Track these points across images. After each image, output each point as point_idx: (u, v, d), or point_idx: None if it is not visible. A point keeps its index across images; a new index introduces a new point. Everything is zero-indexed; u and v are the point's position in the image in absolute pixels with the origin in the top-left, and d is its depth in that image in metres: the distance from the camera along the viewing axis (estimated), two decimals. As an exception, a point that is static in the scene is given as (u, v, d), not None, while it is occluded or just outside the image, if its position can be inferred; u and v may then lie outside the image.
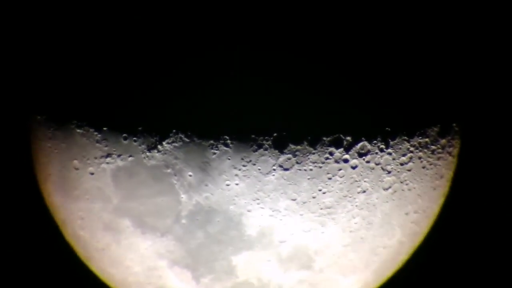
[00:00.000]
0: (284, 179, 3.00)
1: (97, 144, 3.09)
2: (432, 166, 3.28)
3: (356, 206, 3.13)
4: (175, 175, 3.01)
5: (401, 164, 3.15)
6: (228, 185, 3.00)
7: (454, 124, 3.37)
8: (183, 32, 2.94)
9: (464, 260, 4.68)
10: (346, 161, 3.03)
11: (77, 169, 3.19)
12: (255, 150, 2.95)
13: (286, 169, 2.99)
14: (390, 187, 3.16)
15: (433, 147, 3.24)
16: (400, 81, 3.08)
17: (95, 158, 3.11)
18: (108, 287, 3.63)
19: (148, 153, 3.01)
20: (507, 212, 4.62)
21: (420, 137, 3.17)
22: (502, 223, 4.65)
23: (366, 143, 3.04)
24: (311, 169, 3.00)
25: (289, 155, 2.97)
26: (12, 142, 4.21)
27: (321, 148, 2.98)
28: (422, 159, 3.21)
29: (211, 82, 2.90)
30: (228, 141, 2.94)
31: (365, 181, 3.10)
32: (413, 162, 3.19)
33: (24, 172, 3.81)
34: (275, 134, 2.94)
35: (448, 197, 3.63)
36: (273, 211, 3.04)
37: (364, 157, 3.05)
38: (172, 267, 3.24)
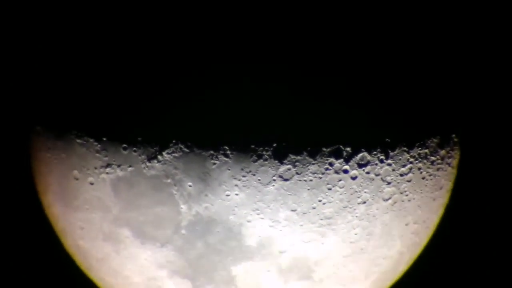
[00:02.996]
0: (284, 190, 3.00)
1: (97, 154, 3.09)
2: (431, 177, 3.28)
3: (356, 216, 3.12)
4: (175, 186, 3.01)
5: (401, 175, 3.15)
6: (228, 195, 3.00)
7: (454, 135, 3.38)
8: (185, 44, 2.95)
9: (464, 270, 4.68)
10: (346, 171, 3.03)
11: (77, 179, 3.19)
12: (255, 161, 2.95)
13: (286, 180, 2.99)
14: (390, 198, 3.16)
15: (432, 158, 3.24)
16: (400, 92, 3.09)
17: (95, 168, 3.11)
18: (107, 297, 3.62)
19: (148, 163, 3.01)
20: (506, 222, 4.61)
21: (420, 148, 3.17)
22: (501, 233, 4.65)
23: (366, 154, 3.04)
24: (311, 180, 3.00)
25: (289, 166, 2.97)
26: (12, 152, 4.21)
27: (321, 158, 2.98)
28: (421, 170, 3.21)
29: (211, 93, 2.91)
30: (228, 152, 2.94)
31: (365, 192, 3.09)
32: (413, 173, 3.19)
33: (24, 182, 3.81)
34: (274, 145, 2.94)
35: (448, 208, 3.63)
36: (273, 221, 3.04)
37: (364, 168, 3.05)
38: (172, 277, 3.24)
